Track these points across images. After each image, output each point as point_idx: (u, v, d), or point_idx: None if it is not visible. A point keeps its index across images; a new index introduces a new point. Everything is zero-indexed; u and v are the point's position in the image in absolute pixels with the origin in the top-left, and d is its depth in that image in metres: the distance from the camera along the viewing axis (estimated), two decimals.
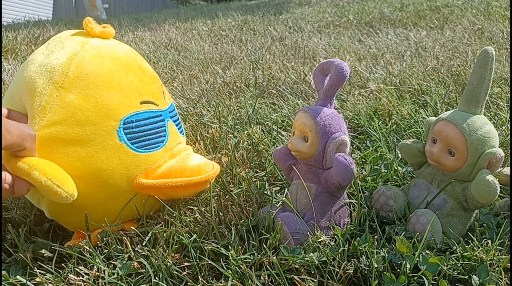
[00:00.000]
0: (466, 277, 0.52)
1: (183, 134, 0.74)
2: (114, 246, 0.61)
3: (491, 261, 0.53)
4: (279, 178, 0.80)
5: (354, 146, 0.93)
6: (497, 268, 0.53)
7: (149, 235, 0.62)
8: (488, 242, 0.55)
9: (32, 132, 0.54)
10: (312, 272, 0.55)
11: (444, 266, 0.52)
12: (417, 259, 0.53)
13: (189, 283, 0.55)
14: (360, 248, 0.55)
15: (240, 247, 0.59)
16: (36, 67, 0.60)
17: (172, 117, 0.70)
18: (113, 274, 0.57)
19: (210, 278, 0.57)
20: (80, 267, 0.57)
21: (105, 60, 0.63)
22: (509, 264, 0.53)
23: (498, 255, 0.54)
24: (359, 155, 0.85)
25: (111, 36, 0.67)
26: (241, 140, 0.92)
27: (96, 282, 0.56)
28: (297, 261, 0.55)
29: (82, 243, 0.61)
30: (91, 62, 0.61)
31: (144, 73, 0.67)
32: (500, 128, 0.89)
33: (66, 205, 0.61)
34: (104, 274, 0.56)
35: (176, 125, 0.71)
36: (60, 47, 0.63)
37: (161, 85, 0.71)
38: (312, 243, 0.57)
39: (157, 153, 0.65)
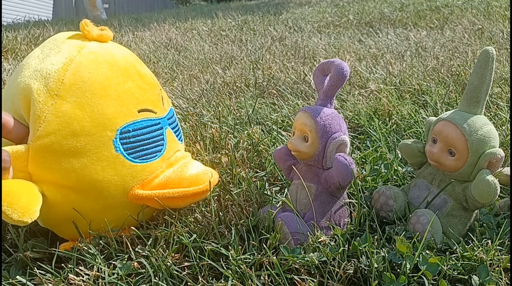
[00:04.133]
0: (466, 277, 0.52)
1: (181, 141, 0.72)
2: (114, 246, 0.61)
3: (491, 261, 0.53)
4: (279, 178, 0.80)
5: (354, 146, 0.93)
6: (497, 268, 0.53)
7: (151, 238, 0.62)
8: (488, 242, 0.55)
9: (5, 155, 0.53)
10: (312, 272, 0.55)
11: (444, 266, 0.52)
12: (417, 259, 0.53)
13: (189, 283, 0.55)
14: (360, 248, 0.55)
15: (240, 247, 0.59)
16: (31, 72, 0.58)
17: (170, 125, 0.68)
18: (113, 274, 0.57)
19: (210, 278, 0.57)
20: (80, 267, 0.57)
21: (103, 66, 0.61)
22: (509, 264, 0.53)
23: (498, 255, 0.54)
24: (359, 155, 0.85)
25: (109, 39, 0.65)
26: (241, 140, 0.92)
27: (96, 282, 0.56)
28: (297, 261, 0.55)
29: (82, 244, 0.60)
30: (88, 68, 0.59)
31: (142, 79, 0.65)
32: (500, 128, 0.89)
33: (59, 216, 0.61)
34: (104, 274, 0.56)
35: (175, 132, 0.69)
36: (56, 51, 0.60)
37: (160, 90, 0.69)
38: (312, 243, 0.57)
39: (154, 163, 0.63)
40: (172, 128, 0.68)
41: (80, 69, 0.59)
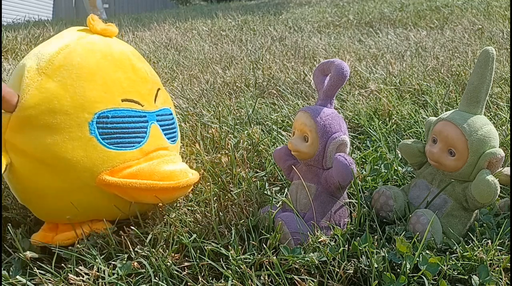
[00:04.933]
0: (466, 277, 0.52)
1: (173, 141, 0.71)
2: (113, 246, 0.61)
3: (491, 261, 0.53)
4: (279, 178, 0.80)
5: (354, 146, 0.93)
6: (497, 268, 0.53)
7: (149, 237, 0.62)
8: (488, 242, 0.55)
9: None
10: (312, 272, 0.55)
11: (444, 266, 0.52)
12: (417, 259, 0.53)
13: (189, 283, 0.55)
14: (360, 248, 0.55)
15: (240, 247, 0.59)
16: (31, 55, 0.64)
17: (159, 121, 0.68)
18: (113, 274, 0.57)
19: (210, 278, 0.57)
20: (80, 267, 0.57)
21: (96, 54, 0.64)
22: (509, 264, 0.53)
23: (498, 255, 0.54)
24: (359, 155, 0.85)
25: (114, 34, 0.68)
26: (241, 140, 0.92)
27: (96, 282, 0.56)
28: (297, 261, 0.55)
29: (81, 244, 0.61)
30: (80, 54, 0.63)
31: (135, 72, 0.67)
32: (500, 128, 0.89)
33: (31, 191, 0.62)
34: (104, 274, 0.56)
35: (163, 130, 0.69)
36: (60, 38, 0.66)
37: (158, 89, 0.69)
38: (312, 243, 0.57)
39: (130, 152, 0.63)
40: (161, 126, 0.69)
41: (72, 54, 0.63)
